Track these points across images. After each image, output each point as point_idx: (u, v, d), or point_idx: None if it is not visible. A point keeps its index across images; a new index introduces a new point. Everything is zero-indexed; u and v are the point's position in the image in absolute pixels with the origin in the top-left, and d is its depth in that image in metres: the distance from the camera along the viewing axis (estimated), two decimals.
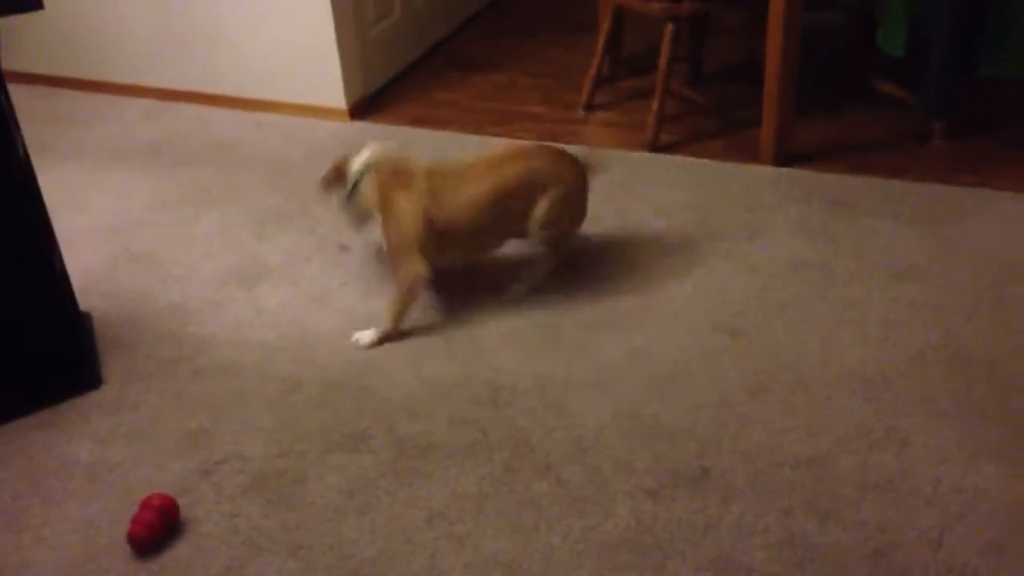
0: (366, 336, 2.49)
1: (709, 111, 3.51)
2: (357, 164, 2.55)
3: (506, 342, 2.45)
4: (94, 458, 2.18)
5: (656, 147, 3.29)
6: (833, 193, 2.97)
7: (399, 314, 2.49)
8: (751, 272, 2.64)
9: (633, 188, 3.07)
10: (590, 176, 2.63)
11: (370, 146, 2.59)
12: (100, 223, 3.07)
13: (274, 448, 2.18)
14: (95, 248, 2.94)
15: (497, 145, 2.93)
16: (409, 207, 2.46)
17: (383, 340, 2.49)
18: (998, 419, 2.12)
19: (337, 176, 2.59)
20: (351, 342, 2.49)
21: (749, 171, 3.13)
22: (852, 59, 3.84)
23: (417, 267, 2.47)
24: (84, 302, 2.57)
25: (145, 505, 1.97)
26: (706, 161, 3.20)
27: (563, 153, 2.61)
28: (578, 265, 2.71)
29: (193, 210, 3.12)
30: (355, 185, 2.54)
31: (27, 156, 2.19)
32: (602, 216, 2.90)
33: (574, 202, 2.59)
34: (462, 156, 2.64)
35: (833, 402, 2.20)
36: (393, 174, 2.52)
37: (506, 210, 2.51)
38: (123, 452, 2.19)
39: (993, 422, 2.12)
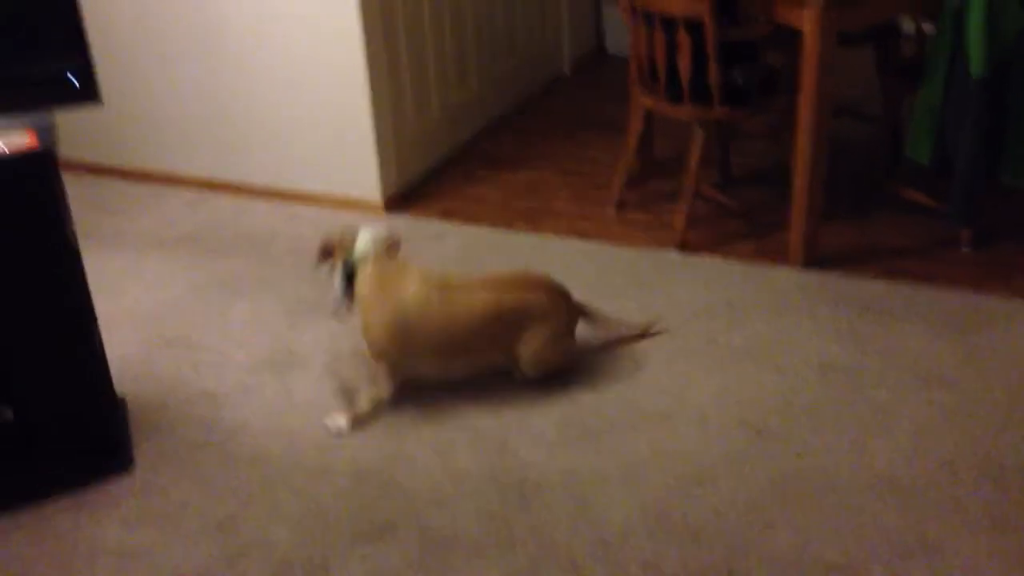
0: (340, 421, 2.52)
1: (737, 213, 3.56)
2: (359, 249, 2.56)
3: (533, 436, 2.46)
4: (122, 542, 2.19)
5: (685, 247, 3.34)
6: (861, 297, 2.99)
7: (372, 406, 2.55)
8: (779, 374, 2.65)
9: (661, 288, 3.10)
10: (591, 326, 2.72)
11: (366, 231, 2.60)
12: (137, 309, 3.13)
13: (300, 537, 2.18)
14: (131, 333, 2.99)
15: (501, 268, 2.97)
16: (388, 316, 2.48)
17: (354, 424, 2.52)
18: None
19: (327, 254, 2.61)
20: (329, 428, 2.52)
21: (777, 273, 3.16)
22: (879, 166, 3.89)
23: (384, 383, 2.55)
24: (119, 386, 2.62)
25: None
26: (734, 263, 3.24)
27: (561, 292, 2.64)
28: (606, 362, 2.73)
29: (227, 298, 3.17)
30: (351, 270, 2.56)
31: (76, 244, 2.25)
32: (630, 314, 2.93)
33: (562, 340, 2.61)
34: (464, 272, 2.67)
35: (863, 509, 2.18)
36: (387, 272, 2.53)
37: (492, 335, 2.53)
38: (151, 537, 2.20)
39: None
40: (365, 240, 2.58)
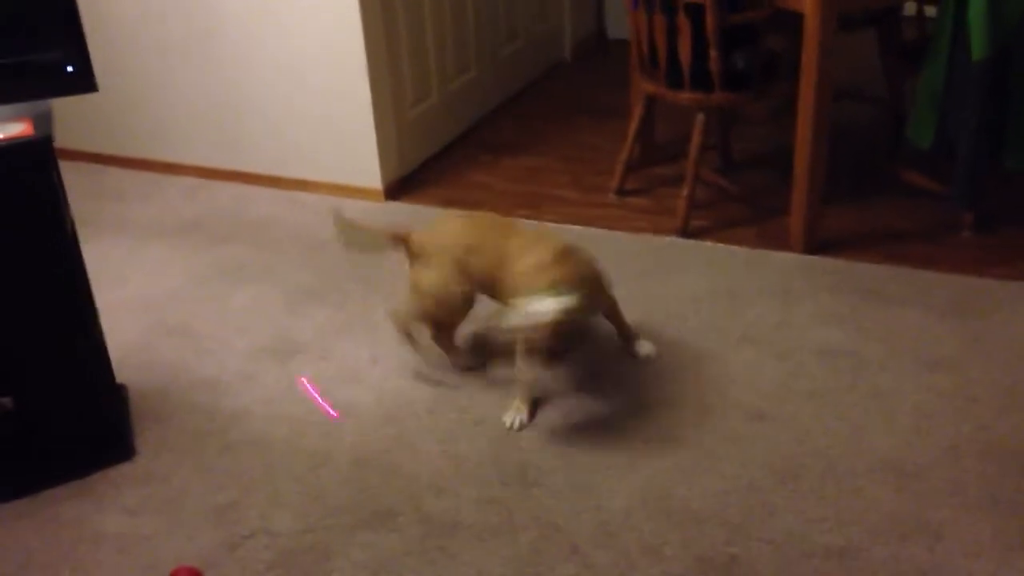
0: (520, 414, 2.47)
1: (738, 198, 3.55)
2: None
3: (534, 422, 2.46)
4: (123, 529, 2.19)
5: (686, 233, 3.33)
6: (863, 282, 2.98)
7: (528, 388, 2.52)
8: (781, 359, 2.65)
9: (663, 273, 3.10)
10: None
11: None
12: (138, 297, 3.14)
13: (301, 524, 2.18)
14: (132, 321, 2.99)
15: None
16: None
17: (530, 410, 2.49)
18: None
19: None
20: (511, 423, 2.46)
21: (779, 258, 3.15)
22: (881, 150, 3.88)
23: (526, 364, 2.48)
24: (120, 374, 2.62)
25: None
26: (736, 247, 3.23)
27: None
28: (606, 348, 2.73)
29: (228, 286, 3.17)
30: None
31: (75, 232, 2.25)
32: (632, 300, 2.93)
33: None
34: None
35: (864, 492, 2.18)
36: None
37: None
38: (152, 524, 2.20)
39: None
40: None
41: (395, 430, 2.47)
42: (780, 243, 3.23)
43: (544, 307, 2.28)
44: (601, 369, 2.65)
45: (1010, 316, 2.77)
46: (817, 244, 3.18)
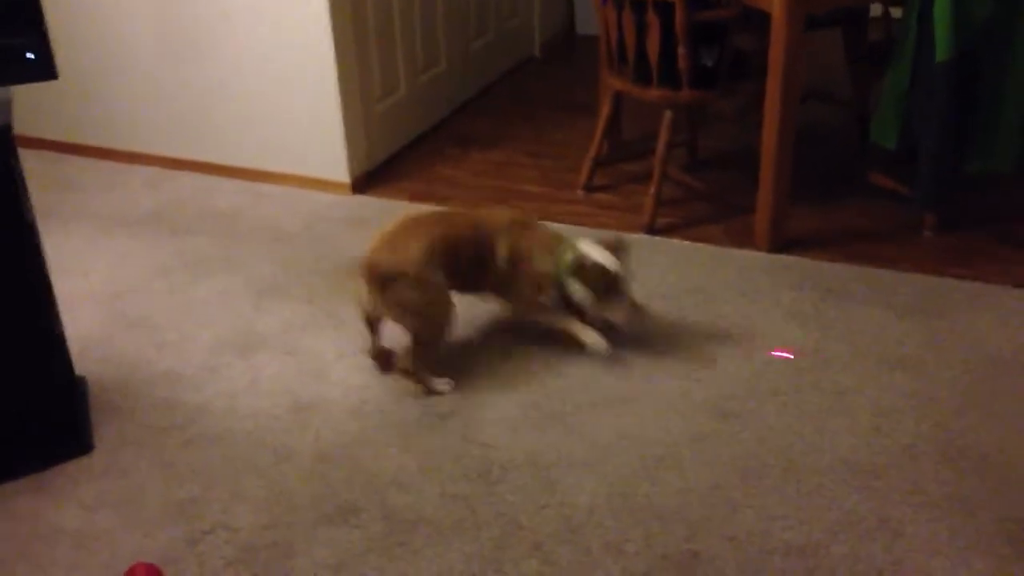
0: (601, 344, 2.63)
1: (705, 196, 3.57)
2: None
3: (497, 419, 2.46)
4: (81, 525, 2.16)
5: (653, 230, 3.34)
6: (826, 281, 3.00)
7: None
8: (744, 357, 2.66)
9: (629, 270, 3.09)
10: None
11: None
12: (99, 289, 3.10)
13: (263, 519, 2.17)
14: (93, 313, 2.95)
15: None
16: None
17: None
18: (988, 514, 2.12)
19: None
20: (596, 348, 2.63)
21: (744, 256, 3.17)
22: (847, 150, 3.91)
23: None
24: (79, 367, 2.58)
25: (130, 575, 1.95)
26: (702, 245, 3.24)
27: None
28: (571, 345, 2.73)
29: (191, 278, 3.14)
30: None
31: (34, 221, 2.21)
32: None
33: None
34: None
35: (824, 490, 2.20)
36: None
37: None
38: (111, 519, 2.18)
39: (984, 516, 2.11)
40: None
41: (359, 426, 2.45)
42: (746, 241, 3.25)
43: (596, 250, 2.56)
44: (565, 366, 2.65)
45: (969, 316, 2.80)
46: (782, 243, 3.20)
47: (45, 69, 2.04)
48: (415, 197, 3.63)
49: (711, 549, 2.06)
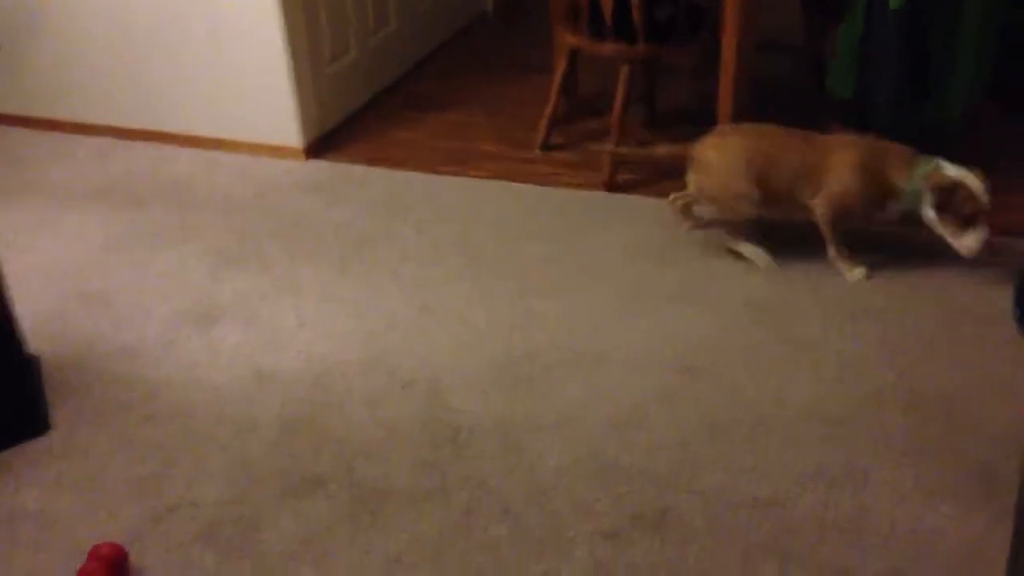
0: (858, 273, 2.77)
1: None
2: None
3: (465, 383, 2.44)
4: (42, 506, 2.12)
5: (613, 187, 3.31)
6: (789, 233, 3.00)
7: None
8: (710, 313, 2.66)
9: (590, 228, 3.08)
10: None
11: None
12: (50, 264, 3.02)
13: (227, 494, 2.14)
14: (45, 289, 2.88)
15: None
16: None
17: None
18: (953, 459, 2.14)
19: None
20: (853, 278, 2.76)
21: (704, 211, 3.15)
22: (807, 101, 3.90)
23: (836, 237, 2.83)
24: (33, 345, 2.52)
25: (94, 555, 1.92)
26: (662, 202, 3.22)
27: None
28: (537, 306, 2.71)
29: (146, 251, 3.07)
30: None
31: None
32: (561, 256, 2.91)
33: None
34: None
35: (791, 442, 2.21)
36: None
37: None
38: (72, 500, 2.14)
39: (948, 462, 2.14)
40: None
41: (323, 395, 2.42)
42: None
43: (956, 170, 2.63)
44: (529, 326, 2.63)
45: (933, 265, 2.81)
46: None
47: None
48: (372, 161, 3.57)
49: (679, 506, 2.06)
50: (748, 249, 2.83)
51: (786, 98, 3.93)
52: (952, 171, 2.64)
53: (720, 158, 2.77)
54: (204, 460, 2.23)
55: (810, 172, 2.73)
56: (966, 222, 2.62)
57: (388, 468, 2.19)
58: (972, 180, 2.61)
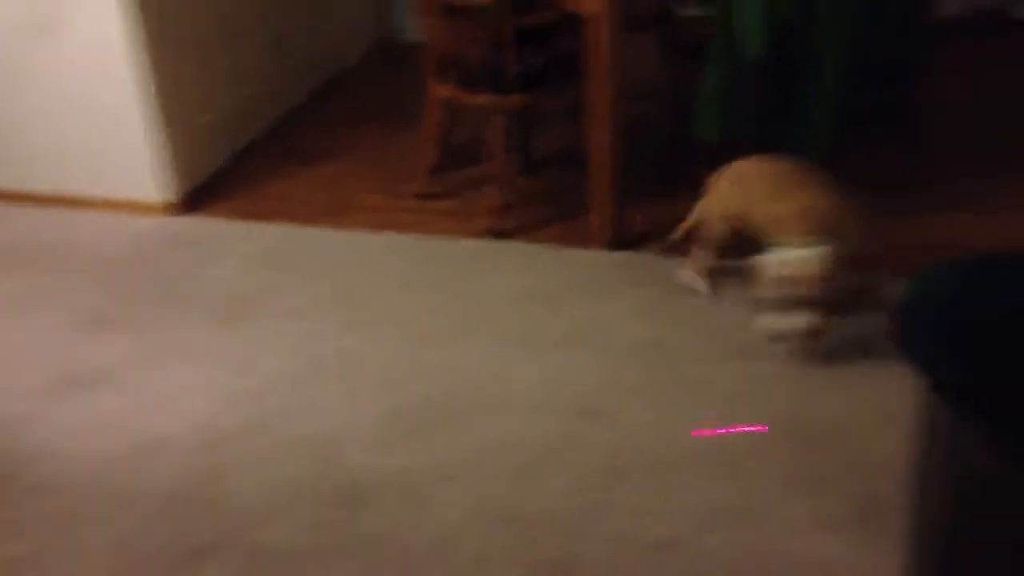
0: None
1: (542, 198, 3.57)
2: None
3: (361, 437, 2.38)
4: None
5: (494, 234, 3.32)
6: (666, 275, 3.05)
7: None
8: (601, 355, 2.67)
9: (476, 276, 3.07)
10: None
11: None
12: None
13: (106, 572, 2.01)
14: None
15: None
16: None
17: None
18: (845, 492, 2.20)
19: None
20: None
21: (585, 256, 3.19)
22: (676, 146, 4.00)
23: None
24: None
25: None
26: (544, 247, 3.25)
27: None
28: (427, 356, 2.67)
29: (9, 319, 2.90)
30: None
31: None
32: (447, 304, 2.89)
33: None
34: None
35: (690, 482, 2.23)
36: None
37: None
38: None
39: (841, 495, 2.19)
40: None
41: (211, 460, 2.32)
42: (585, 241, 3.27)
43: (798, 256, 2.54)
44: (422, 375, 2.59)
45: None
46: (622, 240, 3.24)
47: None
48: (247, 215, 3.48)
49: (585, 553, 2.05)
50: (694, 279, 2.95)
51: (660, 143, 4.03)
52: (798, 251, 2.57)
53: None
54: (82, 538, 2.10)
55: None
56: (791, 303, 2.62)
57: (286, 531, 2.11)
58: (804, 258, 2.55)
